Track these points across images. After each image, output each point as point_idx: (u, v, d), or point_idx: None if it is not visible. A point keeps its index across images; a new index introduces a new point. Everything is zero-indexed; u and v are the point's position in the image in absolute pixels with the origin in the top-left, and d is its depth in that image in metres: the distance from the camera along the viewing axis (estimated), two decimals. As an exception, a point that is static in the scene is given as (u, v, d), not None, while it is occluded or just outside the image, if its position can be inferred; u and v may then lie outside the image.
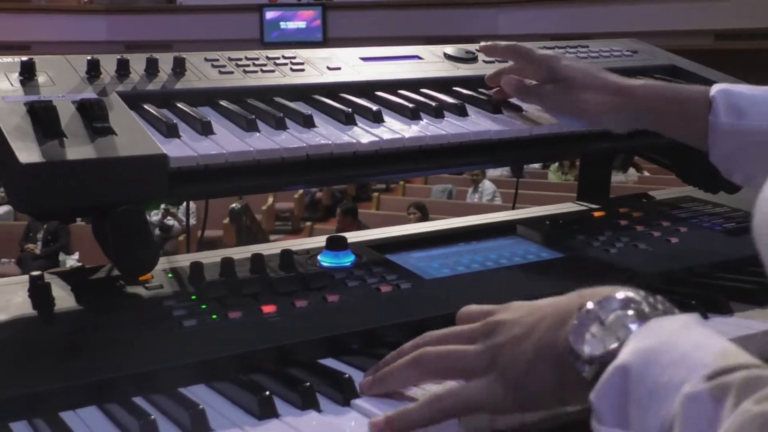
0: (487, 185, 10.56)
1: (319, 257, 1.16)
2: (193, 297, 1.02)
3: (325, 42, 17.50)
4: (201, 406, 0.77)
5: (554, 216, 1.37)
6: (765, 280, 1.06)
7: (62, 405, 0.80)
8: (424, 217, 8.54)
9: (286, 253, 1.13)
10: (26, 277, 1.06)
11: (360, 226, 8.62)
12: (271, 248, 1.18)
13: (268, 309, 0.99)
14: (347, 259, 1.15)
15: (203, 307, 0.99)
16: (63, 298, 1.01)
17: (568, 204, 1.50)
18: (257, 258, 1.11)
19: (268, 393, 0.79)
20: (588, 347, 0.67)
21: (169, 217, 9.99)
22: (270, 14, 17.73)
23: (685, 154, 1.40)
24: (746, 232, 1.30)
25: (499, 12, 17.09)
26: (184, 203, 10.01)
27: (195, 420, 0.75)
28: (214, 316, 0.97)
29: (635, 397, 0.61)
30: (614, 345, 0.65)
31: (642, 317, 0.66)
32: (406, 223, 7.03)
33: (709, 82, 1.44)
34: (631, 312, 0.67)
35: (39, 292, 1.00)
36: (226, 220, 10.44)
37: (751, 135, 1.08)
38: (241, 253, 1.20)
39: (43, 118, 0.99)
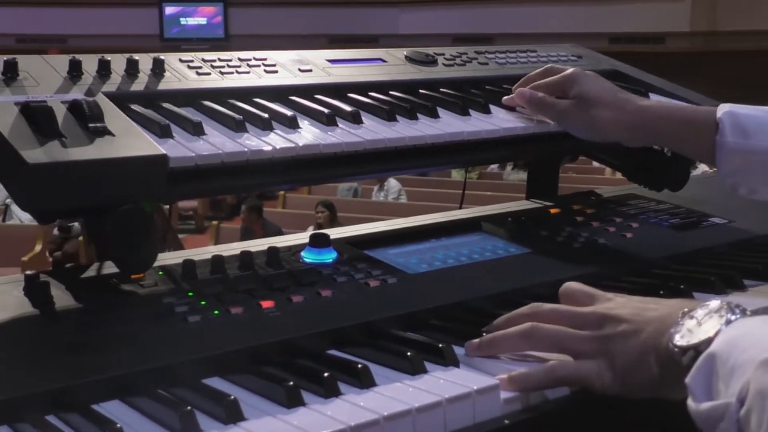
0: (392, 184, 10.68)
1: (302, 254, 1.20)
2: (190, 293, 1.04)
3: (227, 39, 17.34)
4: (233, 397, 0.80)
5: (514, 213, 1.45)
6: (720, 270, 1.17)
7: (90, 399, 0.82)
8: (333, 216, 8.58)
9: (273, 250, 1.16)
10: (17, 276, 1.07)
11: (266, 225, 8.60)
12: (255, 245, 1.21)
13: (267, 304, 1.03)
14: (329, 256, 1.19)
15: (202, 303, 1.02)
16: (59, 296, 1.02)
17: (523, 202, 1.58)
18: (246, 255, 1.14)
19: (293, 383, 0.83)
20: (686, 339, 0.81)
21: (68, 217, 9.75)
22: (169, 10, 17.43)
23: (633, 157, 1.50)
24: (691, 228, 1.41)
25: (401, 12, 17.26)
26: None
27: (230, 410, 0.79)
28: (216, 312, 1.00)
29: (720, 374, 0.73)
30: (707, 336, 0.78)
31: (729, 317, 0.80)
32: (314, 222, 6.98)
33: (649, 87, 1.55)
34: (721, 313, 0.81)
35: (37, 291, 1.01)
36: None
37: (756, 154, 1.20)
38: (212, 252, 1.22)
39: (40, 119, 1.00)
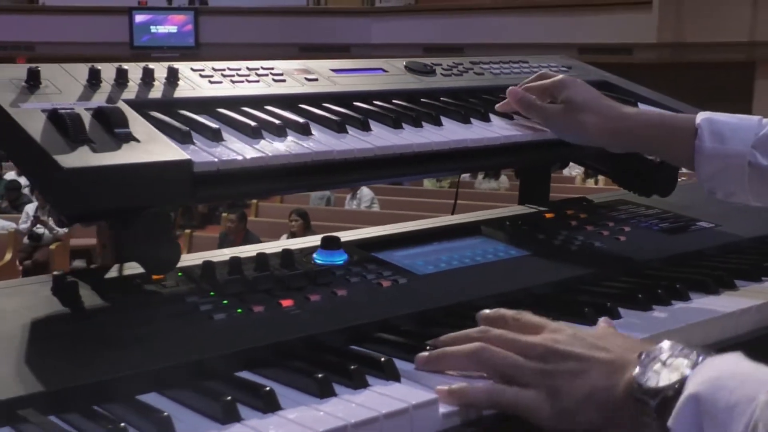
0: (365, 192, 10.74)
1: (314, 255, 1.24)
2: (212, 293, 1.09)
3: (198, 47, 17.32)
4: (268, 388, 0.85)
5: (511, 218, 1.50)
6: (713, 271, 1.24)
7: (132, 391, 0.86)
8: (306, 224, 8.61)
9: (287, 253, 1.21)
10: (43, 277, 1.11)
11: (247, 234, 8.61)
12: (268, 248, 1.26)
13: (287, 303, 1.07)
14: (340, 258, 1.24)
15: (225, 302, 1.06)
16: (86, 296, 1.06)
17: (517, 207, 1.64)
18: (262, 257, 1.19)
19: (323, 375, 0.88)
20: (653, 381, 0.81)
21: (39, 226, 9.69)
22: (139, 17, 17.39)
23: (623, 164, 1.57)
24: (680, 231, 1.48)
25: (373, 21, 17.36)
26: (56, 211, 9.76)
27: (267, 400, 0.83)
28: (239, 310, 1.04)
29: (710, 416, 0.75)
30: (677, 378, 0.80)
31: (697, 358, 0.81)
32: (287, 230, 6.95)
33: (638, 97, 1.62)
34: (685, 353, 0.82)
35: (66, 291, 1.05)
36: (100, 228, 10.20)
37: (732, 158, 1.26)
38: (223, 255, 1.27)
39: (70, 125, 1.04)
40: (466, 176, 12.57)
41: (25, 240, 9.70)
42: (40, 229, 9.69)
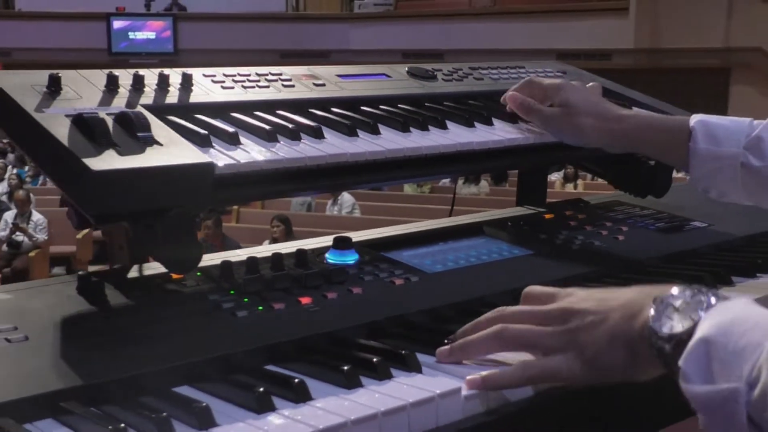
0: (346, 198, 10.76)
1: (327, 255, 1.28)
2: (232, 292, 1.12)
3: (177, 53, 17.29)
4: (298, 379, 0.89)
5: (513, 218, 1.55)
6: (709, 268, 1.29)
7: (166, 384, 0.90)
8: (289, 230, 8.62)
9: (301, 252, 1.25)
10: (66, 277, 1.14)
11: (225, 239, 8.61)
12: (282, 248, 1.29)
13: (305, 300, 1.11)
14: (352, 257, 1.28)
15: (245, 300, 1.10)
16: (110, 295, 1.10)
17: (517, 208, 1.69)
18: (277, 257, 1.22)
19: (349, 367, 0.92)
20: (667, 327, 0.85)
21: (18, 233, 9.65)
22: (117, 24, 17.35)
23: (618, 166, 1.62)
24: (675, 231, 1.53)
25: (352, 27, 17.42)
26: (35, 219, 9.71)
27: (298, 391, 0.87)
28: (260, 308, 1.08)
29: (718, 358, 0.79)
30: (690, 324, 0.84)
31: (709, 301, 0.85)
32: (269, 236, 6.95)
33: (632, 101, 1.68)
34: (699, 298, 0.86)
35: (92, 290, 1.09)
36: (80, 235, 10.17)
37: (725, 159, 1.31)
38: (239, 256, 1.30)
39: (95, 129, 1.07)
40: (446, 181, 12.64)
41: (4, 248, 9.65)
42: (19, 237, 9.65)
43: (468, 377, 0.92)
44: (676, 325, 0.85)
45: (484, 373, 0.93)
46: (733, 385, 0.77)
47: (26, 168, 13.70)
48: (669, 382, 0.85)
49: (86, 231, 10.23)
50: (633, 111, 1.50)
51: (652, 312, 0.87)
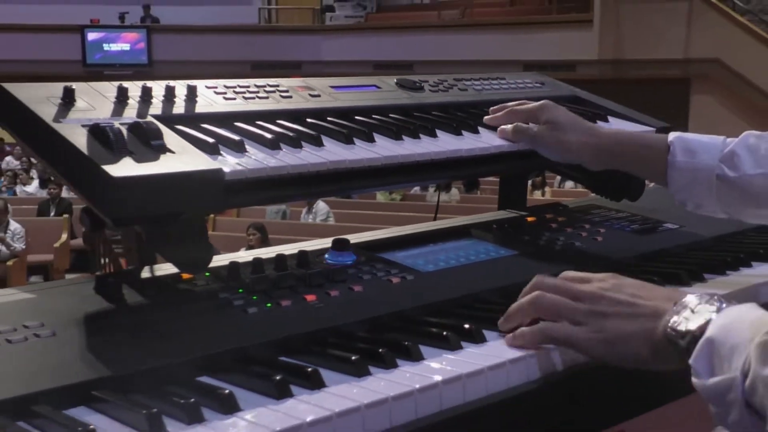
0: (320, 206, 10.80)
1: (326, 256, 1.34)
2: (240, 290, 1.17)
3: (151, 65, 17.24)
4: (311, 368, 0.94)
5: (497, 221, 1.61)
6: (684, 266, 1.36)
7: (189, 375, 0.95)
8: (264, 238, 8.64)
9: (303, 254, 1.30)
10: (84, 278, 1.18)
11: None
12: (281, 250, 1.34)
13: (310, 298, 1.17)
14: (350, 258, 1.34)
15: (254, 298, 1.15)
16: (127, 294, 1.14)
17: (501, 212, 1.75)
18: (281, 258, 1.28)
19: (356, 357, 0.97)
20: (683, 325, 0.97)
21: (-4, 243, 9.59)
22: (92, 35, 17.26)
23: (596, 173, 1.69)
24: (649, 232, 1.60)
25: (324, 39, 17.48)
26: (12, 228, 9.64)
27: (313, 379, 0.93)
28: (269, 305, 1.13)
29: (719, 355, 0.90)
30: (702, 323, 0.95)
31: (719, 305, 0.97)
32: (245, 244, 6.98)
33: (606, 110, 1.75)
34: (711, 303, 0.98)
35: (109, 289, 1.13)
36: (57, 244, 10.12)
37: (701, 171, 1.40)
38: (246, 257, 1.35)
39: (112, 138, 1.12)
40: (417, 189, 12.72)
41: (-18, 256, 9.58)
42: (-3, 246, 9.58)
43: (507, 336, 1.06)
44: (691, 323, 0.96)
45: (516, 332, 1.06)
46: (731, 375, 0.88)
47: (1, 179, 13.60)
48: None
49: (63, 240, 10.20)
50: (614, 129, 1.56)
51: (673, 312, 0.99)
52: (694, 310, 0.98)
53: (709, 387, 0.91)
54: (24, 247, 9.73)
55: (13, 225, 9.71)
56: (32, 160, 14.93)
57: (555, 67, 14.22)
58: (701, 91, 14.72)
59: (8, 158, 16.17)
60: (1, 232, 9.61)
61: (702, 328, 0.95)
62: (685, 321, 0.98)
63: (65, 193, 11.45)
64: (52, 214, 11.01)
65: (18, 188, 13.28)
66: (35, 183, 13.29)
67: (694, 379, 0.93)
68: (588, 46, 14.75)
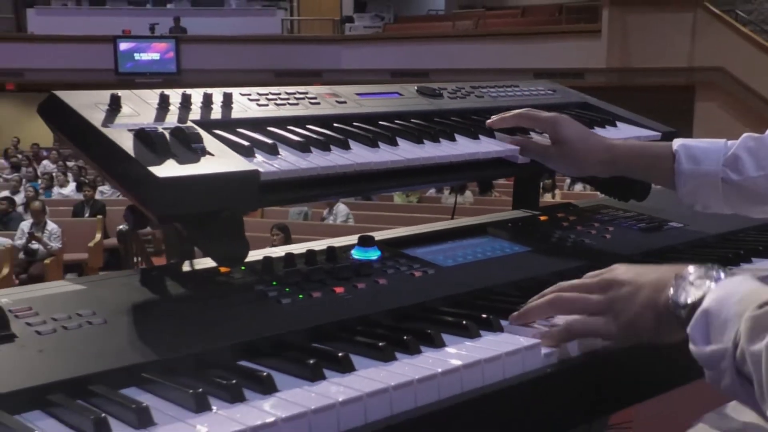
0: (341, 208, 10.84)
1: (352, 252, 1.37)
2: (274, 283, 1.21)
3: (179, 73, 17.35)
4: (342, 353, 0.97)
5: (512, 220, 1.64)
6: (686, 262, 1.38)
7: (229, 360, 0.98)
8: (287, 238, 8.69)
9: (331, 249, 1.34)
10: (128, 271, 1.22)
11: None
12: (311, 246, 1.38)
13: (339, 290, 1.20)
14: (375, 254, 1.37)
15: (287, 290, 1.19)
16: (170, 286, 1.18)
17: (515, 211, 1.78)
18: (311, 253, 1.31)
19: (383, 344, 1.00)
20: (683, 297, 1.01)
21: (33, 242, 9.68)
22: (124, 45, 17.40)
23: (606, 178, 1.71)
24: (655, 230, 1.62)
25: (343, 48, 17.52)
26: (50, 228, 9.74)
27: (344, 364, 0.96)
28: (301, 296, 1.17)
29: (714, 326, 0.94)
30: (700, 294, 0.98)
31: (717, 276, 1.00)
32: (269, 244, 7.10)
33: (615, 116, 1.77)
34: (710, 274, 1.01)
35: (154, 282, 1.17)
36: (91, 243, 10.22)
37: (707, 176, 1.43)
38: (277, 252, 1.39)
39: (157, 142, 1.16)
40: (432, 192, 12.75)
41: (21, 255, 9.68)
42: (35, 245, 9.68)
43: (540, 332, 1.08)
44: (690, 295, 1.00)
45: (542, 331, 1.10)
46: (723, 345, 0.92)
47: (39, 181, 13.73)
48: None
49: (97, 239, 10.30)
50: (619, 140, 1.57)
51: (673, 285, 1.02)
52: (693, 283, 1.01)
53: (704, 354, 0.94)
54: (60, 246, 9.82)
55: (51, 225, 9.81)
56: (68, 164, 15.07)
57: (564, 74, 14.22)
58: (705, 98, 14.67)
59: (45, 162, 16.33)
60: (39, 232, 9.71)
61: (699, 300, 0.98)
62: (684, 293, 1.01)
63: (98, 195, 11.57)
64: (87, 215, 11.11)
65: (55, 190, 13.39)
66: (71, 186, 13.41)
67: (691, 346, 0.96)
68: (596, 54, 14.73)
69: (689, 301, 1.00)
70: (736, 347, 0.91)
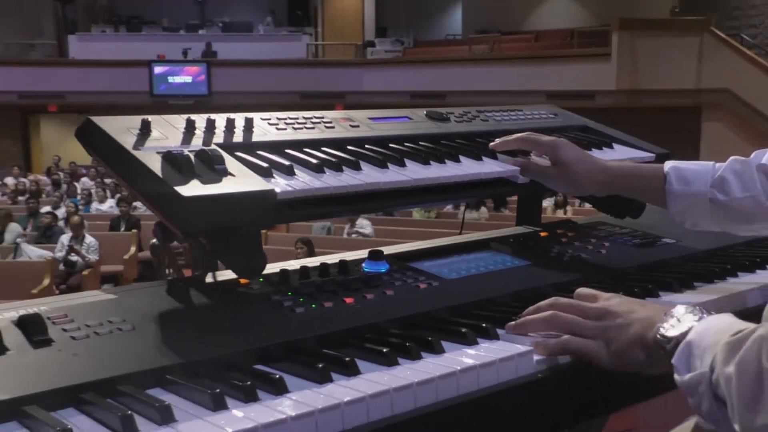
0: (364, 223, 10.88)
1: (363, 265, 1.41)
2: (290, 293, 1.25)
3: (211, 95, 17.53)
4: (349, 358, 1.01)
5: (514, 236, 1.68)
6: (677, 275, 1.41)
7: (246, 364, 1.03)
8: (311, 251, 8.73)
9: (343, 263, 1.38)
10: (156, 282, 1.27)
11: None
12: (324, 260, 1.42)
13: (349, 300, 1.24)
14: (383, 267, 1.41)
15: (301, 300, 1.23)
16: (194, 296, 1.23)
17: (517, 228, 1.81)
18: (324, 266, 1.35)
19: (387, 350, 1.04)
20: (670, 332, 1.04)
21: (72, 254, 9.80)
22: (158, 69, 17.61)
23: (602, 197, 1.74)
24: (649, 246, 1.65)
25: (365, 71, 17.63)
26: (88, 241, 9.86)
27: (350, 368, 1.00)
28: (314, 306, 1.21)
29: (695, 355, 0.98)
30: (685, 329, 1.03)
31: (701, 315, 1.04)
32: (294, 257, 7.13)
33: (613, 138, 1.80)
34: (694, 313, 1.05)
35: (179, 292, 1.22)
36: (127, 256, 10.33)
37: (696, 196, 1.46)
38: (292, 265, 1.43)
39: (182, 164, 1.21)
40: (449, 207, 12.77)
41: (61, 267, 9.80)
42: (73, 257, 9.80)
43: (533, 343, 1.11)
44: (677, 329, 1.03)
45: (538, 341, 1.12)
46: (701, 371, 0.96)
47: (78, 197, 13.90)
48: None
49: (132, 252, 10.40)
50: (614, 162, 1.59)
51: (662, 322, 1.06)
52: (680, 319, 1.05)
53: (685, 381, 0.98)
54: (98, 258, 9.93)
55: (89, 239, 9.93)
56: (105, 180, 15.25)
57: (575, 96, 14.22)
58: (712, 119, 14.61)
59: (84, 179, 16.53)
60: (78, 245, 9.83)
61: (684, 334, 1.02)
62: (672, 328, 1.04)
63: (134, 211, 11.69)
64: (122, 229, 11.24)
65: (93, 206, 13.56)
66: (110, 201, 13.56)
67: (675, 376, 1.00)
68: (606, 77, 14.72)
69: (675, 334, 1.03)
70: (712, 372, 0.94)
